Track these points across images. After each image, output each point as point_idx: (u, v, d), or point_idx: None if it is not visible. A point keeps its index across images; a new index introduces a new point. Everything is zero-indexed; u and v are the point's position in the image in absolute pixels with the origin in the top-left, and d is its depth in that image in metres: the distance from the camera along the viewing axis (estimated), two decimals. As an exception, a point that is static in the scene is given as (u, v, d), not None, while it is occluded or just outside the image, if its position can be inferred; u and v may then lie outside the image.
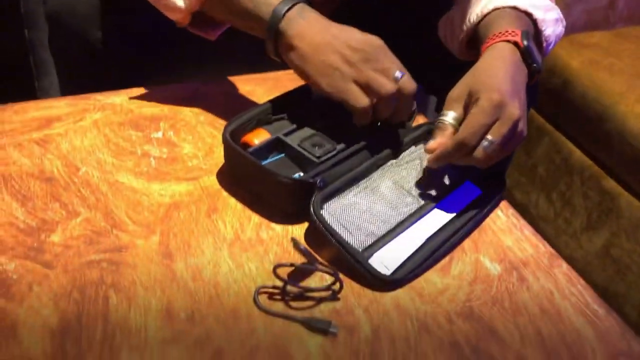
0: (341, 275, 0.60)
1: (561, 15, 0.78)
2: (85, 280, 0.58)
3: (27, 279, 0.58)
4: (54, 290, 0.57)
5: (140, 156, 0.74)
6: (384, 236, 0.66)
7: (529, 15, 0.74)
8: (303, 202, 0.65)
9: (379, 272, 0.62)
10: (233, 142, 0.68)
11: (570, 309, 0.63)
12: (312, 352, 0.55)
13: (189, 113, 0.82)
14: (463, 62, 0.78)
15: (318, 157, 0.69)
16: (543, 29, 0.75)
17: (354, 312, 0.59)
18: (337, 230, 0.63)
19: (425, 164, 0.74)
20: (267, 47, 0.72)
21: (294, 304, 0.59)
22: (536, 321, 0.61)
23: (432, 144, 0.68)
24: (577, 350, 0.59)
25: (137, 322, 0.55)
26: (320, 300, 0.59)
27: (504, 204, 0.75)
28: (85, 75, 0.95)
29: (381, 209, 0.68)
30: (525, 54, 0.71)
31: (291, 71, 0.72)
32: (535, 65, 0.71)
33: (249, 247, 0.64)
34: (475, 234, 0.70)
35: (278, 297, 0.59)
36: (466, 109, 0.67)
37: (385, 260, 0.63)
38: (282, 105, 0.75)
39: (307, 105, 0.76)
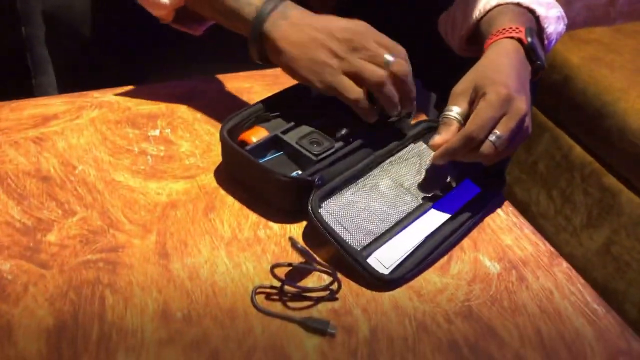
0: (339, 275, 0.60)
1: (563, 13, 0.77)
2: (82, 280, 0.58)
3: (23, 279, 0.57)
4: (50, 290, 0.57)
5: (137, 154, 0.73)
6: (382, 235, 0.65)
7: (531, 11, 0.74)
8: (301, 200, 0.64)
9: (377, 272, 0.61)
10: (230, 140, 0.68)
11: (569, 308, 0.62)
12: (309, 352, 0.54)
13: (186, 110, 0.81)
14: (464, 59, 0.77)
15: (316, 155, 0.69)
16: (545, 26, 0.74)
17: (352, 312, 0.59)
18: (335, 229, 0.63)
19: (424, 161, 0.74)
20: (250, 52, 0.72)
21: (291, 304, 0.58)
22: (535, 320, 0.61)
23: (437, 139, 0.67)
24: (577, 350, 0.59)
25: (133, 323, 0.55)
26: (318, 300, 0.59)
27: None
28: (82, 73, 0.94)
29: (380, 207, 0.68)
30: (530, 51, 0.70)
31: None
32: (539, 62, 0.71)
33: (247, 247, 0.63)
34: (474, 232, 0.69)
35: (275, 297, 0.59)
36: (471, 105, 0.67)
37: (384, 259, 0.63)
38: (281, 102, 0.74)
39: (306, 103, 0.75)
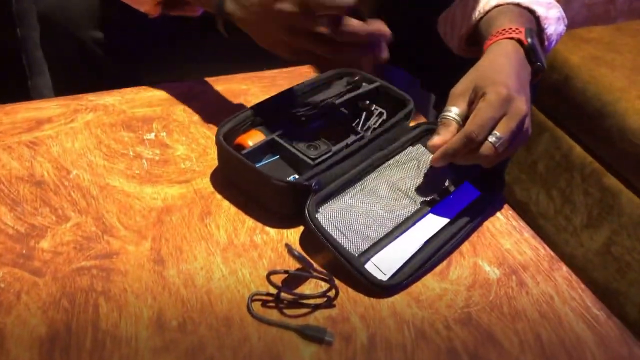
0: (337, 282, 0.59)
1: (563, 14, 0.77)
2: (75, 288, 0.57)
3: (15, 287, 0.56)
4: (43, 298, 0.56)
5: (132, 158, 0.73)
6: (380, 240, 0.64)
7: (531, 12, 0.73)
8: (298, 205, 0.63)
9: (376, 278, 0.60)
10: (227, 143, 0.67)
11: (570, 314, 0.62)
12: (306, 361, 0.54)
13: (182, 113, 0.80)
14: (463, 60, 0.77)
15: (313, 159, 0.68)
16: (545, 26, 0.74)
17: (349, 319, 0.58)
18: (333, 235, 0.62)
19: (423, 164, 0.73)
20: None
21: (288, 311, 0.57)
22: (536, 327, 0.60)
23: (435, 139, 0.65)
24: (577, 356, 0.58)
25: (127, 331, 0.54)
26: (315, 308, 0.58)
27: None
28: (77, 75, 0.93)
29: (378, 211, 0.67)
30: (529, 52, 0.69)
31: (287, 69, 0.71)
32: (539, 63, 0.70)
33: (243, 252, 0.63)
34: (473, 237, 0.69)
35: (272, 304, 0.58)
36: (470, 105, 0.66)
37: (382, 265, 0.62)
38: (278, 105, 0.74)
39: (303, 105, 0.74)
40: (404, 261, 0.63)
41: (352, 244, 0.63)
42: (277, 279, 0.59)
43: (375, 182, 0.70)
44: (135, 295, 0.57)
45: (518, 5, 0.73)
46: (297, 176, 0.68)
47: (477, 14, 0.74)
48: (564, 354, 0.58)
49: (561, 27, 0.77)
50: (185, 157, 0.74)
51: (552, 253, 0.68)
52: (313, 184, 0.64)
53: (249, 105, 0.74)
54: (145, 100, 0.82)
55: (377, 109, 0.77)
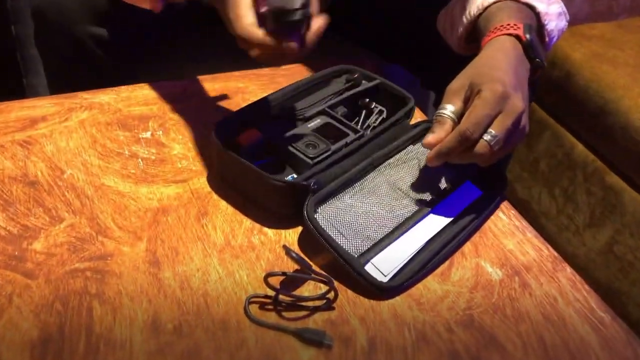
0: (336, 283, 0.58)
1: (564, 9, 0.75)
2: (69, 291, 0.56)
3: (7, 289, 0.55)
4: (35, 301, 0.55)
5: (128, 157, 0.71)
6: (380, 241, 0.63)
7: (531, 7, 0.72)
8: (296, 205, 0.62)
9: (376, 279, 0.59)
10: (224, 142, 0.65)
11: (574, 316, 0.61)
12: (305, 365, 0.53)
13: (179, 112, 0.79)
14: (463, 57, 0.75)
15: (312, 158, 0.67)
16: (546, 22, 0.72)
17: (349, 322, 0.57)
18: (332, 235, 0.61)
19: (424, 163, 0.72)
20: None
21: (286, 314, 0.56)
22: (539, 329, 0.59)
23: (430, 138, 0.64)
24: (582, 359, 0.57)
25: (122, 334, 0.53)
26: (314, 310, 0.57)
27: (505, 204, 0.72)
28: (72, 73, 0.92)
29: (378, 212, 0.66)
30: (528, 48, 0.68)
31: (286, 67, 0.70)
32: (538, 60, 0.68)
33: (240, 254, 0.61)
34: (475, 237, 0.67)
35: (270, 306, 0.57)
36: (466, 103, 0.64)
37: (382, 266, 0.61)
38: (276, 103, 0.73)
39: (302, 103, 0.73)
40: (404, 262, 0.62)
41: (352, 245, 0.61)
42: (275, 280, 0.58)
43: (375, 182, 0.69)
44: (130, 297, 0.56)
45: (517, 1, 0.72)
46: (295, 176, 0.67)
47: (476, 11, 0.73)
48: (568, 356, 0.57)
49: (563, 23, 0.75)
50: (182, 157, 0.72)
51: (555, 253, 0.67)
52: (312, 184, 0.63)
53: (246, 103, 0.73)
54: (141, 98, 0.81)
55: (377, 107, 0.76)
